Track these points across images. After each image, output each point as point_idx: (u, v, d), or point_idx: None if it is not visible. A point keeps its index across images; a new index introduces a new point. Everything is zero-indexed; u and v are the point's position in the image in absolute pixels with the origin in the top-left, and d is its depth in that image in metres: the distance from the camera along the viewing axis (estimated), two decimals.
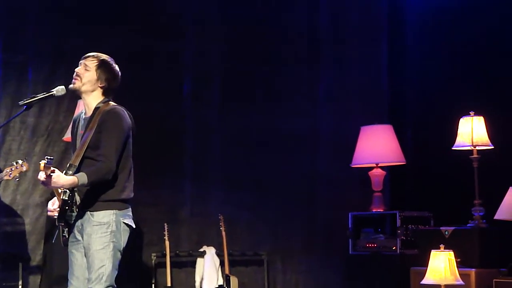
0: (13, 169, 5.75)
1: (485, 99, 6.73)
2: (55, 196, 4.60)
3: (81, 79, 4.62)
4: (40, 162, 4.21)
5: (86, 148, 4.51)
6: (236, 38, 7.57)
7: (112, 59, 4.71)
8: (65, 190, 4.41)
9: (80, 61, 4.69)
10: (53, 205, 4.55)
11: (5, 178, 5.77)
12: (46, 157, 4.23)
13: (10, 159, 6.55)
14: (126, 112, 4.63)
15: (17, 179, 5.88)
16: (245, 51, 7.58)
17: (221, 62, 7.52)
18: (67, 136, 6.42)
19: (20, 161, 5.80)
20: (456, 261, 5.66)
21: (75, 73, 4.65)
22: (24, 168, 5.78)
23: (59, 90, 4.70)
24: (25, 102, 4.66)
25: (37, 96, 4.68)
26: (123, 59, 4.83)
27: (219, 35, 7.53)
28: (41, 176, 4.28)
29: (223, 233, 7.04)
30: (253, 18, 7.68)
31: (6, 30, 6.81)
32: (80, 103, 6.23)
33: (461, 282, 5.64)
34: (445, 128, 6.64)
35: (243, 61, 7.57)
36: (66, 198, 4.43)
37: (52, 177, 4.27)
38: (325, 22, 7.86)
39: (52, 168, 4.23)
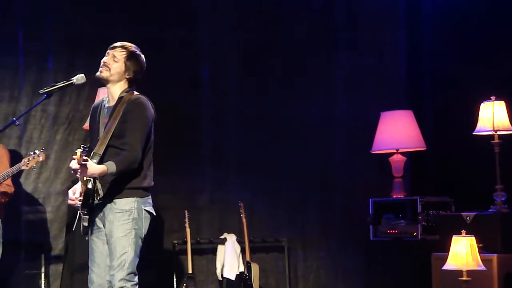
0: (30, 159, 5.79)
1: (506, 83, 6.68)
2: (75, 184, 4.63)
3: (109, 69, 4.63)
4: (76, 151, 4.25)
5: (111, 137, 4.54)
6: (252, 25, 7.55)
7: (138, 49, 4.72)
8: (89, 178, 4.44)
9: (108, 51, 4.69)
10: (74, 194, 4.58)
11: (23, 168, 5.82)
12: (82, 146, 4.31)
13: (31, 148, 6.58)
14: (149, 102, 4.65)
15: (34, 169, 5.93)
16: (261, 38, 7.56)
17: (238, 49, 7.50)
18: (88, 125, 6.44)
19: (37, 151, 5.83)
20: (477, 247, 5.64)
21: (102, 63, 4.66)
22: (41, 158, 5.82)
23: (79, 78, 4.73)
24: (46, 90, 4.70)
25: (57, 85, 4.71)
26: (141, 47, 4.83)
27: (235, 22, 7.50)
28: (74, 164, 4.31)
29: (244, 220, 7.05)
30: (269, 5, 7.65)
31: (25, 19, 6.82)
32: (100, 91, 6.25)
33: (483, 267, 5.62)
34: (466, 113, 6.60)
35: (260, 48, 7.55)
36: (91, 187, 4.46)
37: (86, 165, 4.30)
38: (342, 7, 7.82)
39: (84, 157, 4.26)
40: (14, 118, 5.04)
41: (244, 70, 7.50)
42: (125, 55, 4.66)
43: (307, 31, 7.74)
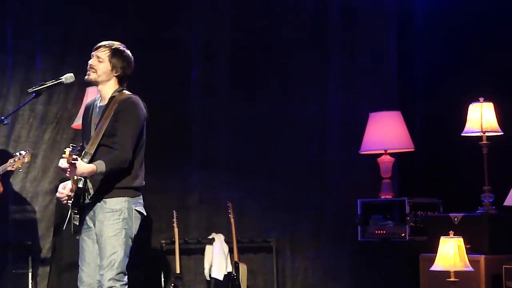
0: (16, 160, 5.78)
1: (494, 85, 6.71)
2: (64, 181, 4.63)
3: (96, 71, 4.63)
4: (65, 150, 4.26)
5: (102, 136, 4.53)
6: (244, 26, 7.54)
7: (123, 45, 4.70)
8: (80, 177, 4.43)
9: (92, 53, 4.68)
10: (64, 188, 4.57)
11: (9, 168, 5.80)
12: (71, 144, 4.31)
13: (19, 147, 6.55)
14: (141, 102, 4.64)
15: (20, 170, 5.91)
16: (253, 39, 7.55)
17: (230, 50, 7.49)
18: (76, 124, 6.42)
19: (23, 152, 5.82)
20: (465, 248, 5.66)
21: (88, 66, 4.65)
22: (26, 159, 5.81)
23: (68, 77, 4.72)
24: (34, 89, 4.69)
25: (46, 84, 4.71)
26: (131, 47, 4.81)
27: (227, 22, 7.50)
28: (63, 163, 4.30)
29: (232, 220, 7.04)
30: (262, 5, 7.65)
31: (14, 17, 6.78)
32: (89, 90, 6.23)
33: (470, 268, 5.64)
34: (454, 114, 6.63)
35: (252, 49, 7.55)
36: (81, 186, 4.45)
37: (75, 165, 4.28)
38: (335, 8, 7.83)
39: (74, 156, 4.25)
40: (2, 117, 5.02)
41: (236, 70, 7.48)
42: (109, 53, 4.64)
43: (300, 31, 7.74)
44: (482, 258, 5.92)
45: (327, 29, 7.80)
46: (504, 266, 5.83)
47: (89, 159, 4.49)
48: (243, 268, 6.99)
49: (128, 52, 4.71)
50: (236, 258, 7.00)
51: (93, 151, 4.52)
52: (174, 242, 6.87)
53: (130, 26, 6.95)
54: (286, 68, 7.65)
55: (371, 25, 7.88)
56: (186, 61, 7.36)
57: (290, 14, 7.71)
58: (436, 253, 5.70)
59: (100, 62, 4.63)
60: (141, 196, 4.65)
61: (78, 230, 4.62)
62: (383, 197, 7.05)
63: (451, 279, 5.63)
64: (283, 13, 7.68)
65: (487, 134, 6.22)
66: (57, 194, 4.62)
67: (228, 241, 7.11)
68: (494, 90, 6.52)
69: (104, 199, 4.53)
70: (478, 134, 6.24)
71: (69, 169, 4.32)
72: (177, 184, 7.24)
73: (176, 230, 6.87)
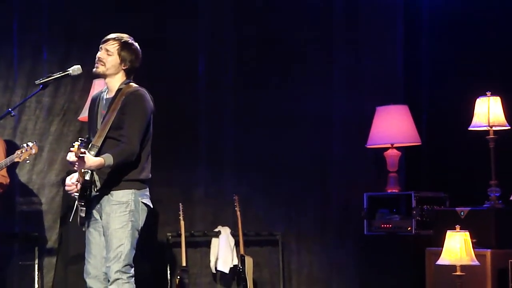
0: (23, 151, 5.78)
1: (502, 79, 6.69)
2: (69, 175, 4.63)
3: (104, 64, 4.61)
4: (74, 143, 4.25)
5: (109, 129, 4.53)
6: (250, 21, 7.52)
7: (131, 37, 4.69)
8: (87, 170, 4.43)
9: (100, 46, 4.66)
10: (71, 179, 4.57)
11: (16, 160, 5.81)
12: (80, 138, 4.30)
13: (26, 139, 6.57)
14: (148, 94, 4.64)
15: (27, 161, 5.92)
16: (258, 35, 7.53)
17: (235, 45, 7.49)
18: (83, 116, 6.43)
19: (30, 144, 5.82)
20: (471, 242, 5.65)
21: (97, 58, 4.63)
22: (34, 151, 5.81)
23: (75, 69, 4.71)
24: (42, 81, 4.69)
25: (54, 76, 4.71)
26: (137, 41, 4.79)
27: (233, 18, 7.48)
28: (71, 157, 4.30)
29: (238, 213, 7.05)
30: (267, 3, 7.63)
31: (21, 10, 6.80)
32: (96, 82, 6.24)
33: (476, 262, 5.64)
34: (461, 109, 6.61)
35: (257, 44, 7.54)
36: (88, 179, 4.45)
37: (83, 158, 4.29)
38: (341, 3, 7.81)
39: (82, 150, 4.25)
40: (9, 109, 5.03)
41: (242, 65, 7.48)
42: (118, 47, 4.63)
43: (305, 27, 7.71)
44: (488, 252, 5.90)
45: (332, 25, 7.77)
46: (510, 260, 5.80)
47: (96, 151, 4.49)
48: (249, 261, 7.00)
49: (136, 44, 4.70)
50: (242, 251, 7.01)
51: (100, 143, 4.52)
52: (180, 235, 6.89)
53: (135, 20, 6.90)
54: (291, 65, 7.62)
55: (377, 20, 7.84)
56: (192, 56, 7.35)
57: (296, 10, 7.68)
58: (442, 247, 5.70)
59: (109, 55, 4.62)
60: (148, 189, 4.65)
61: (84, 222, 4.63)
62: (389, 191, 7.03)
63: (457, 273, 5.63)
64: (287, 10, 7.64)
65: (494, 128, 6.20)
66: (66, 187, 4.62)
67: (234, 234, 7.12)
68: (501, 84, 6.49)
69: (110, 192, 4.53)
70: (485, 128, 6.22)
71: (77, 163, 4.32)
72: (183, 178, 7.25)
73: (182, 223, 6.88)
